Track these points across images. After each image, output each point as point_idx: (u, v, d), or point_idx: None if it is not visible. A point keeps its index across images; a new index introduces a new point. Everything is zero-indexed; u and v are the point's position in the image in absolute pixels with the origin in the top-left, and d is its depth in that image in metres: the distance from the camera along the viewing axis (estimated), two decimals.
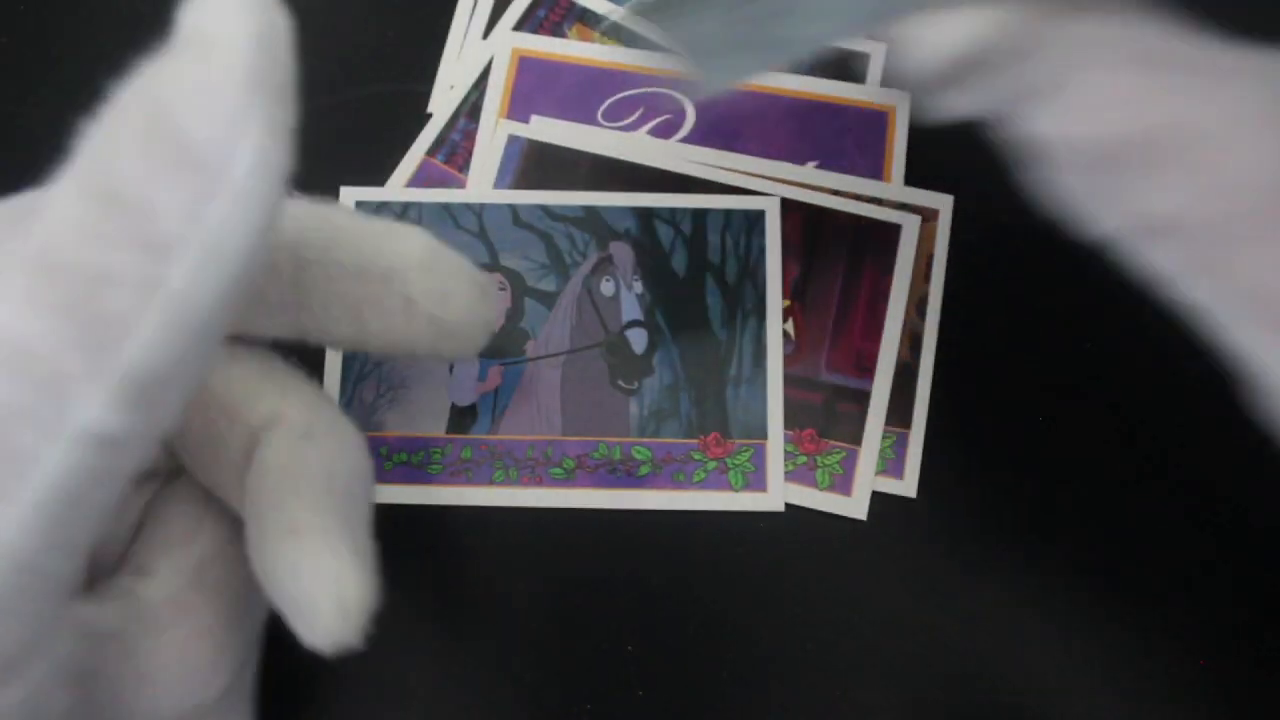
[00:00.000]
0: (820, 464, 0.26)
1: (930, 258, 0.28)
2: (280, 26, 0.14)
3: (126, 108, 0.13)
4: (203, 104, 0.13)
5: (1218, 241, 0.15)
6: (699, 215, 0.28)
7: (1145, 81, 0.16)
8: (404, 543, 0.25)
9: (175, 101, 0.13)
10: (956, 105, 0.17)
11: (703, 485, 0.26)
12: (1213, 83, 0.16)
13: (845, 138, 0.29)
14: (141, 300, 0.13)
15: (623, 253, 0.28)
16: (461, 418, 0.26)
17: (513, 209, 0.28)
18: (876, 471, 0.26)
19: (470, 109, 0.29)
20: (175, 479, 0.20)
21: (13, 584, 0.14)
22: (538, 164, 0.28)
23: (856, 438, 0.27)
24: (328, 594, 0.16)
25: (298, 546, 0.16)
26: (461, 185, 0.28)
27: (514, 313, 0.27)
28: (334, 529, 0.17)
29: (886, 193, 0.28)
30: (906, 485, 0.26)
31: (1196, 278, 0.16)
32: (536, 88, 0.29)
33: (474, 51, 0.30)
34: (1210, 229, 0.15)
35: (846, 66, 0.30)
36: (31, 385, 0.13)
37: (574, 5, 0.30)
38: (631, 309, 0.27)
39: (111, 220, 0.13)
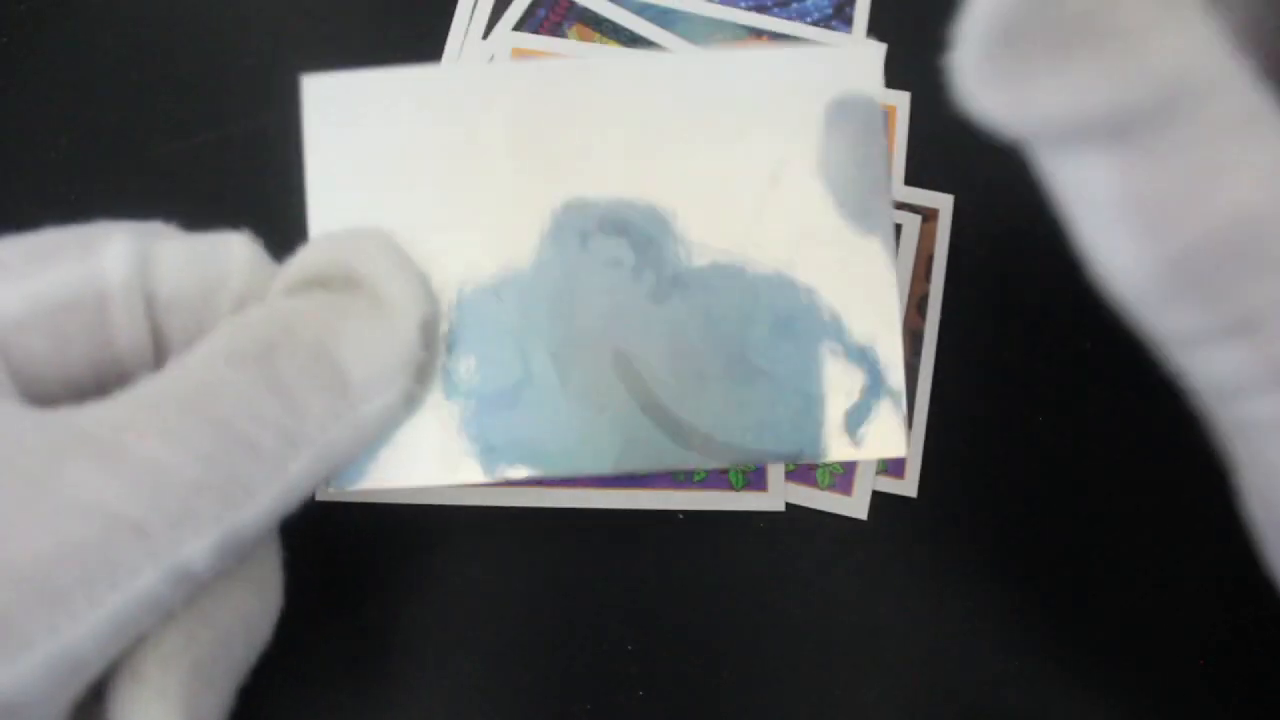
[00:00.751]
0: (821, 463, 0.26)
1: (930, 258, 0.28)
2: (438, 322, 0.17)
3: (306, 323, 0.16)
4: (368, 353, 0.16)
5: None
6: None
7: None
8: (403, 543, 0.25)
9: (348, 341, 0.16)
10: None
11: (703, 485, 0.26)
12: None
13: None
14: (269, 476, 0.15)
15: None
16: None
17: None
18: (877, 471, 0.26)
19: None
20: None
21: (62, 678, 0.14)
22: None
23: None
24: None
25: (133, 694, 0.15)
26: None
27: None
28: (176, 692, 0.15)
29: None
30: (907, 485, 0.26)
31: None
32: None
33: (474, 51, 0.30)
34: None
35: None
36: (160, 508, 0.14)
37: (574, 5, 0.30)
38: None
39: (273, 406, 0.15)
